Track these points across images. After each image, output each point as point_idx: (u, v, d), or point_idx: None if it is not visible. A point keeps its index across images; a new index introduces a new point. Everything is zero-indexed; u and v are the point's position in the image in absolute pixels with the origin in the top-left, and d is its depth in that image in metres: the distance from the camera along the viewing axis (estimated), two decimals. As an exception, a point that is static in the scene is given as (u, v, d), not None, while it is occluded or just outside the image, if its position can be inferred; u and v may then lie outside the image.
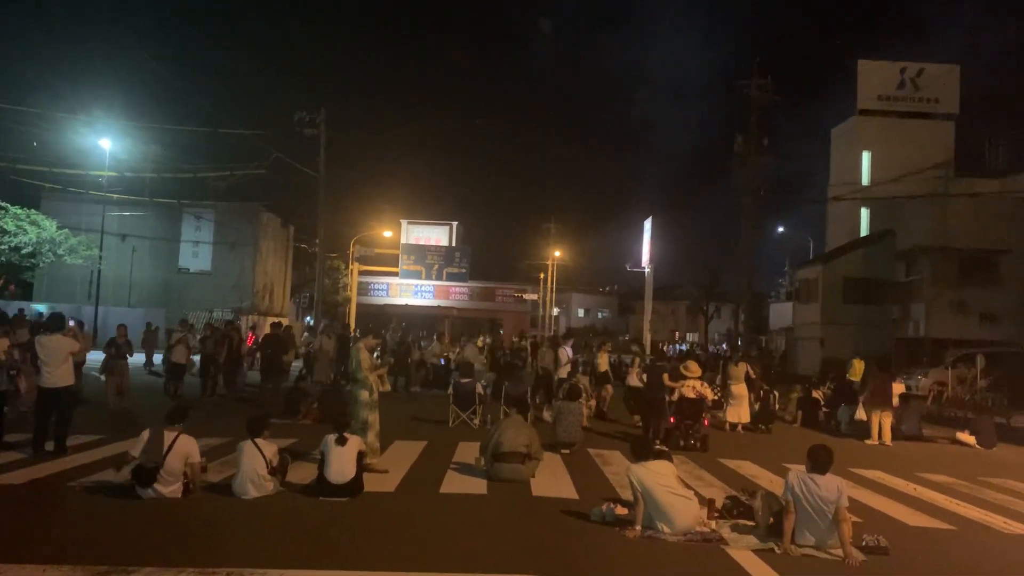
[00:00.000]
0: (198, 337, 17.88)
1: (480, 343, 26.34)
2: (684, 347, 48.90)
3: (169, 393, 16.04)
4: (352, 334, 25.88)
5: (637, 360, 16.91)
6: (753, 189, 28.21)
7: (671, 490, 6.82)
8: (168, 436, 7.45)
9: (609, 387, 16.86)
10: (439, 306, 55.07)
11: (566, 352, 16.80)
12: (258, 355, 19.51)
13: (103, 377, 14.71)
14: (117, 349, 14.33)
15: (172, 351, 16.48)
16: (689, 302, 66.06)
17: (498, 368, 19.51)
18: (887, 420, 14.02)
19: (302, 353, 23.07)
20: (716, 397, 15.50)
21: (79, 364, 11.73)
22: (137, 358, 22.68)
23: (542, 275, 62.54)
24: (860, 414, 14.66)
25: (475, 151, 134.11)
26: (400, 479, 8.78)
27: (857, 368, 19.16)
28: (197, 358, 17.53)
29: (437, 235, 52.99)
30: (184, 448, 7.45)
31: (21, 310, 22.42)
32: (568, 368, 16.47)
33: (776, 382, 18.49)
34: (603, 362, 17.34)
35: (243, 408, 13.89)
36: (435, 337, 25.73)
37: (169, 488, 7.32)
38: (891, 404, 14.42)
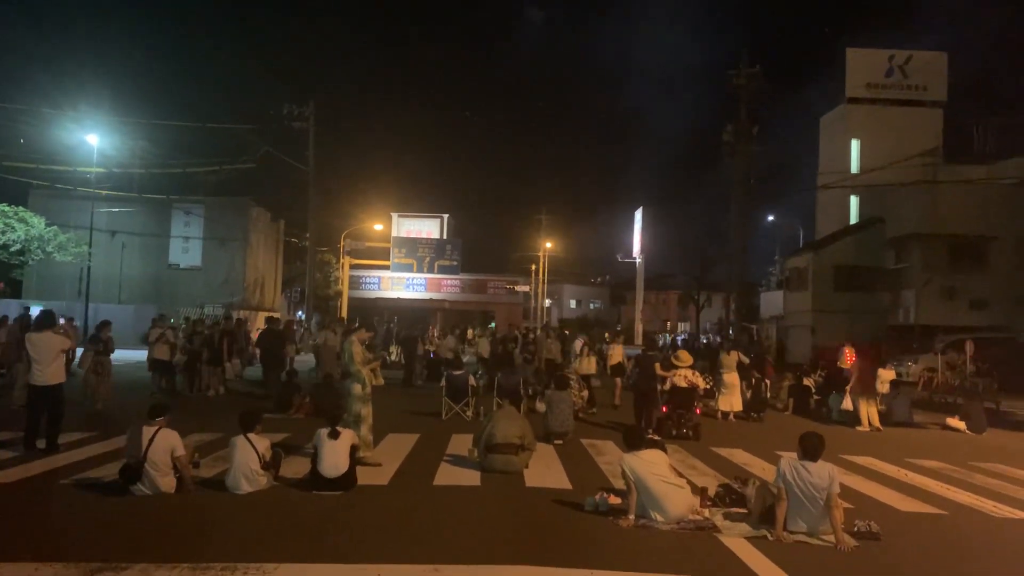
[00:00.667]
0: (185, 333, 17.63)
1: (471, 335, 26.38)
2: (683, 337, 48.84)
3: (155, 389, 15.82)
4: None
5: (585, 349, 17.12)
6: (743, 178, 28.24)
7: (664, 479, 6.85)
8: (148, 431, 7.45)
9: (619, 380, 16.94)
10: (431, 299, 55.02)
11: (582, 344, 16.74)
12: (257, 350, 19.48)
13: (81, 369, 14.38)
14: (105, 346, 14.08)
15: (153, 348, 16.28)
16: (681, 291, 66.24)
17: (493, 360, 19.48)
18: (872, 407, 14.13)
19: (310, 346, 23.04)
20: (708, 386, 15.55)
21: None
22: (127, 354, 22.66)
23: (533, 267, 62.64)
24: (847, 403, 14.73)
25: (465, 143, 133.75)
26: (393, 472, 8.79)
27: (847, 355, 19.24)
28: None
29: (428, 228, 52.94)
30: (166, 441, 7.44)
31: (26, 308, 22.18)
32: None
33: (772, 371, 18.40)
34: (617, 353, 17.39)
35: (235, 404, 13.84)
36: (450, 330, 25.67)
37: (158, 483, 7.31)
38: (875, 391, 14.54)
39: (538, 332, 23.39)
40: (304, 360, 22.20)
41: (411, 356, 21.03)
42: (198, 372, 16.56)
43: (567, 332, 24.41)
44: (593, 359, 16.71)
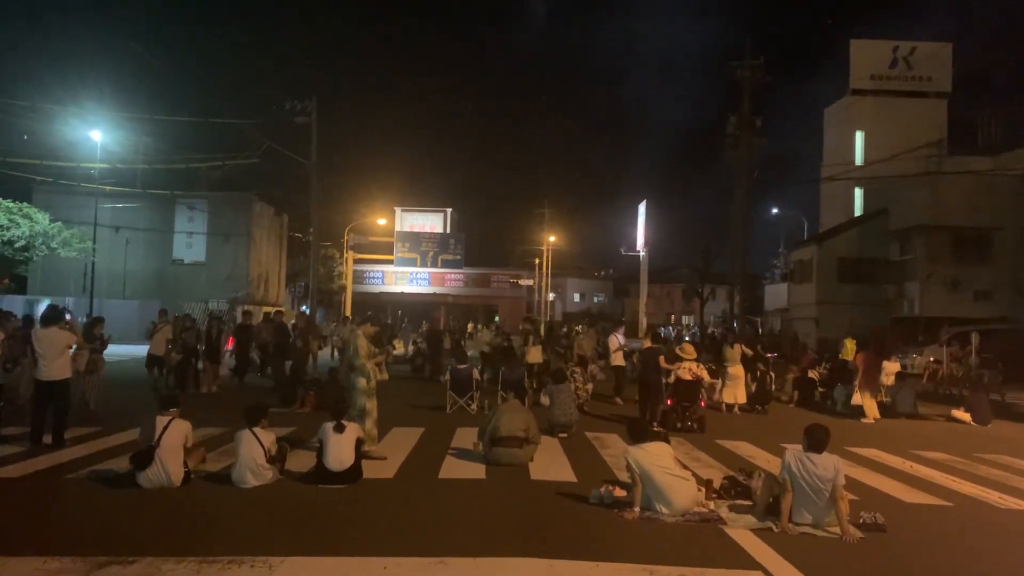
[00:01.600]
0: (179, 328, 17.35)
1: (470, 329, 26.36)
2: (695, 330, 48.65)
3: (154, 386, 15.56)
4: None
5: (531, 339, 17.15)
6: (746, 170, 28.14)
7: (669, 471, 6.85)
8: (161, 420, 7.58)
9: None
10: (435, 293, 55.07)
11: (617, 339, 16.53)
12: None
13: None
14: (101, 342, 13.99)
15: (151, 343, 16.18)
16: (684, 284, 66.01)
17: (498, 353, 19.39)
18: (874, 400, 14.14)
19: (335, 341, 23.04)
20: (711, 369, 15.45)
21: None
22: (130, 350, 22.71)
23: (537, 260, 62.51)
24: (856, 399, 14.70)
25: (468, 136, 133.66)
26: (399, 465, 8.80)
27: (849, 347, 19.23)
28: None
29: (431, 222, 52.88)
30: (179, 430, 7.57)
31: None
32: (620, 355, 16.31)
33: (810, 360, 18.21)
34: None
35: (239, 399, 13.86)
36: (483, 325, 25.56)
37: (168, 469, 7.36)
38: (878, 385, 14.57)
39: (579, 328, 23.22)
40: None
41: (437, 351, 20.85)
42: (192, 368, 16.33)
43: (577, 328, 24.34)
44: (539, 348, 16.79)
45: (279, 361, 17.42)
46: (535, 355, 16.51)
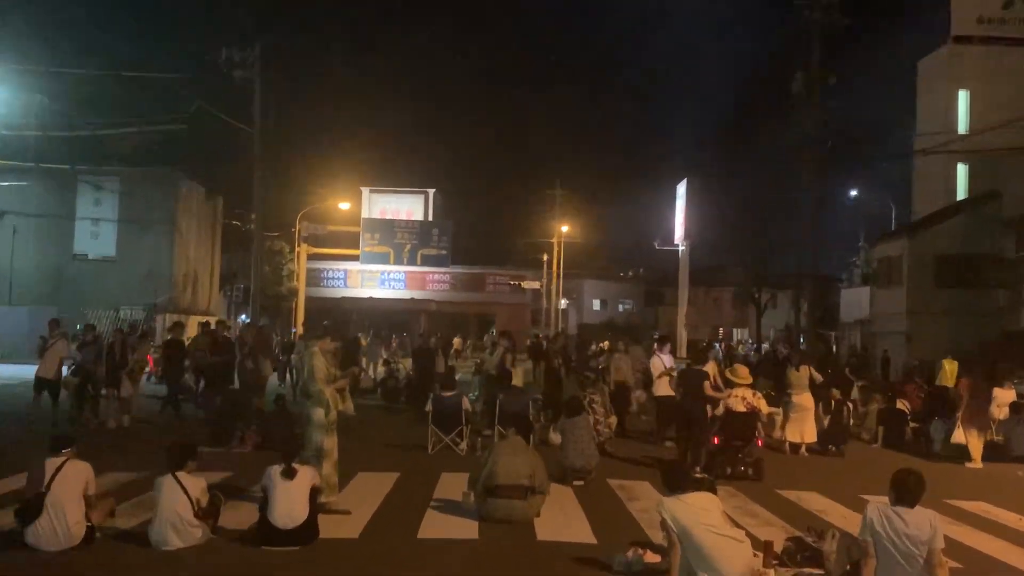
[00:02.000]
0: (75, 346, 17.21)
1: (457, 345, 26.24)
2: (754, 346, 48.75)
3: (32, 419, 15.31)
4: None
5: (509, 358, 17.24)
6: (816, 142, 28.16)
7: (716, 530, 6.84)
8: (53, 463, 7.55)
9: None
10: (412, 299, 55.07)
11: (661, 360, 16.26)
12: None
13: None
14: None
15: (40, 363, 16.07)
16: (736, 288, 66.12)
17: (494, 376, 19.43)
18: (981, 439, 14.16)
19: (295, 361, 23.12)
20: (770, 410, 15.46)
21: None
22: (16, 370, 22.72)
23: (546, 257, 62.61)
24: (958, 436, 14.70)
25: (457, 99, 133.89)
26: (366, 521, 8.81)
27: (949, 371, 19.22)
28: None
29: (408, 207, 53.06)
30: (75, 473, 7.56)
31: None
32: (666, 381, 15.66)
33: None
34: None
35: (159, 434, 13.86)
36: (492, 343, 25.33)
37: (66, 522, 7.33)
38: (988, 418, 14.57)
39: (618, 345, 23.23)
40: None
41: (427, 374, 20.72)
42: (89, 395, 16.23)
43: (604, 344, 24.39)
44: (520, 369, 16.90)
45: (224, 386, 17.41)
46: (515, 377, 16.61)
